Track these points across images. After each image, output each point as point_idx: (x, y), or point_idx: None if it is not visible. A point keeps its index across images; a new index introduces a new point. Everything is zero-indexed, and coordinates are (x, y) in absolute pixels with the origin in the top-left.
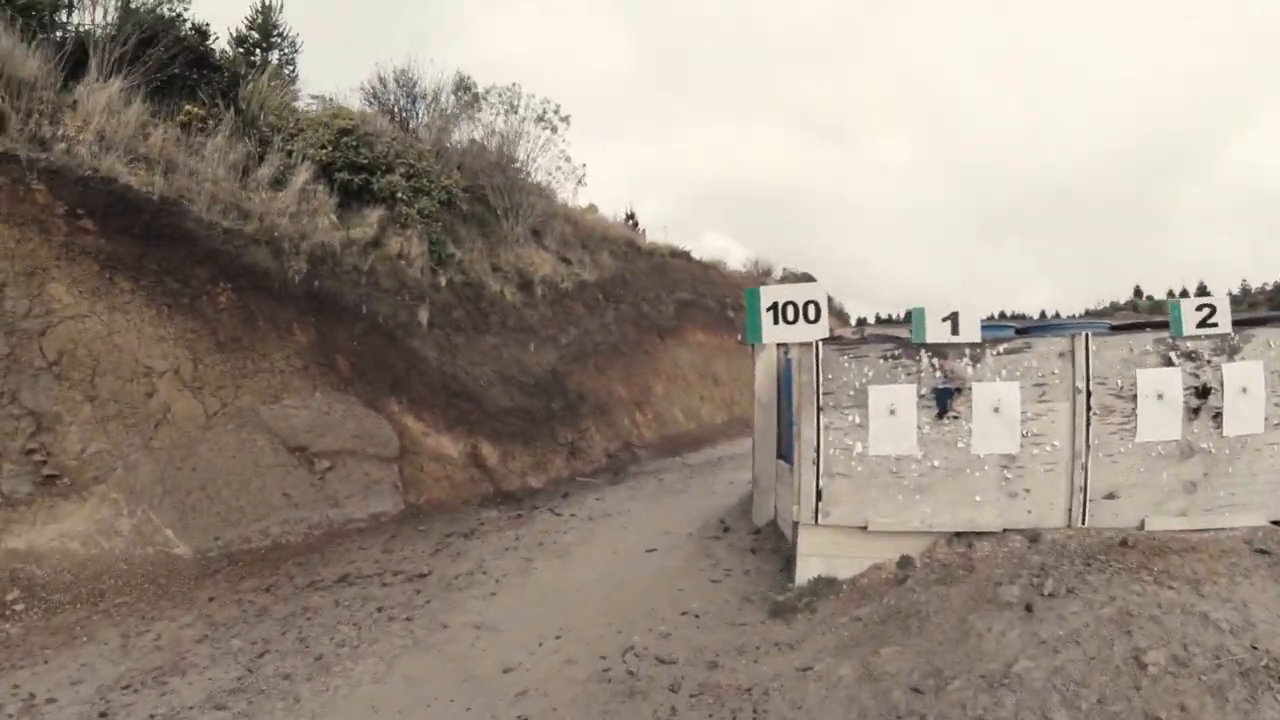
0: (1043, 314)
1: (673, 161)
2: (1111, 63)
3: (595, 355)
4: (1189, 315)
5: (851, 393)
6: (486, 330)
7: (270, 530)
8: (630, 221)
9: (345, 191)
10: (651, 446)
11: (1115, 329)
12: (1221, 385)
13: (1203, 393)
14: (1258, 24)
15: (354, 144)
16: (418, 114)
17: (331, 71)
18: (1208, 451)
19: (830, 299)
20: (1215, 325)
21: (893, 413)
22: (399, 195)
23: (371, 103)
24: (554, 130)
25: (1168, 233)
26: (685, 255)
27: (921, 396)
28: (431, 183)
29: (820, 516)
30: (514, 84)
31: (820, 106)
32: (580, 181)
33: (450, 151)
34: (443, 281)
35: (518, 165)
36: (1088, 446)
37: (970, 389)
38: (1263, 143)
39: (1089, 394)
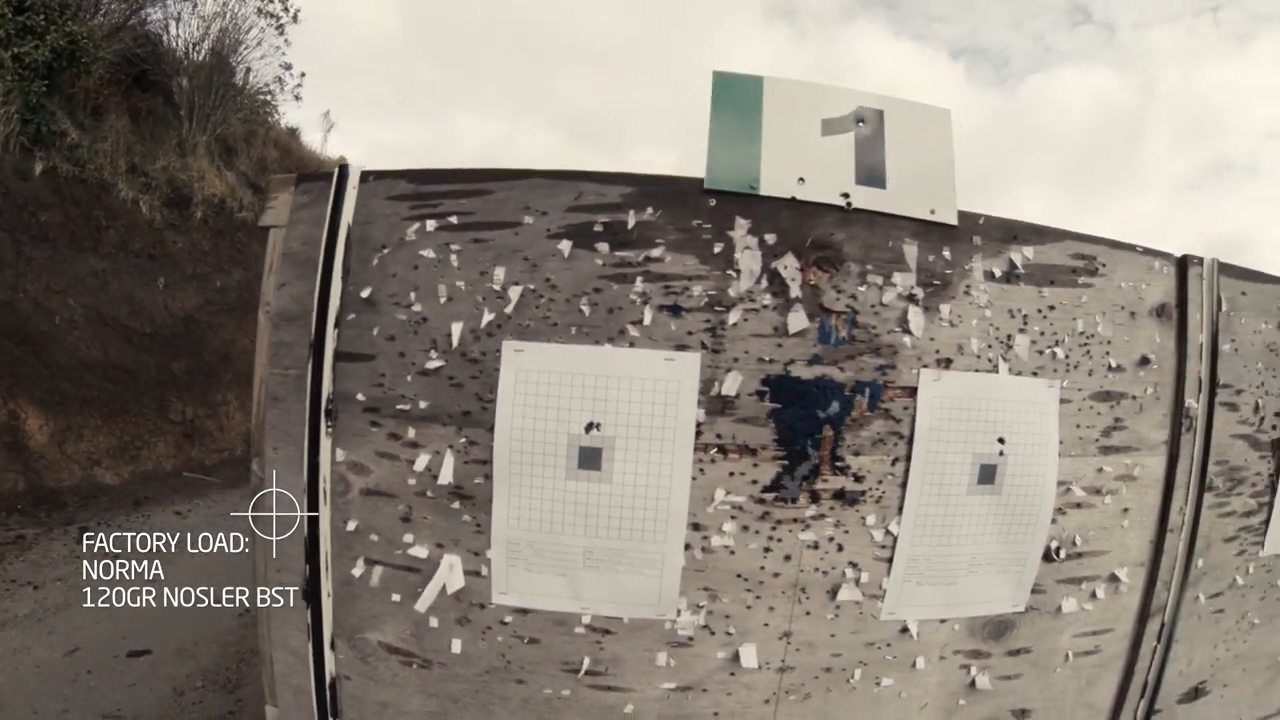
0: None
1: (441, 142)
2: None
3: None
4: None
5: (430, 354)
6: (93, 249)
7: None
8: None
9: None
10: None
11: None
12: None
13: None
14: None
15: None
16: None
17: None
18: None
19: None
20: None
21: (583, 458)
22: None
23: None
24: (280, 30)
25: None
26: None
27: (724, 404)
28: (50, 23)
29: None
30: None
31: (594, 112)
32: (297, 96)
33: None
34: (37, 168)
35: (231, 62)
36: (1185, 577)
37: (912, 393)
38: (996, 208)
39: (1209, 430)
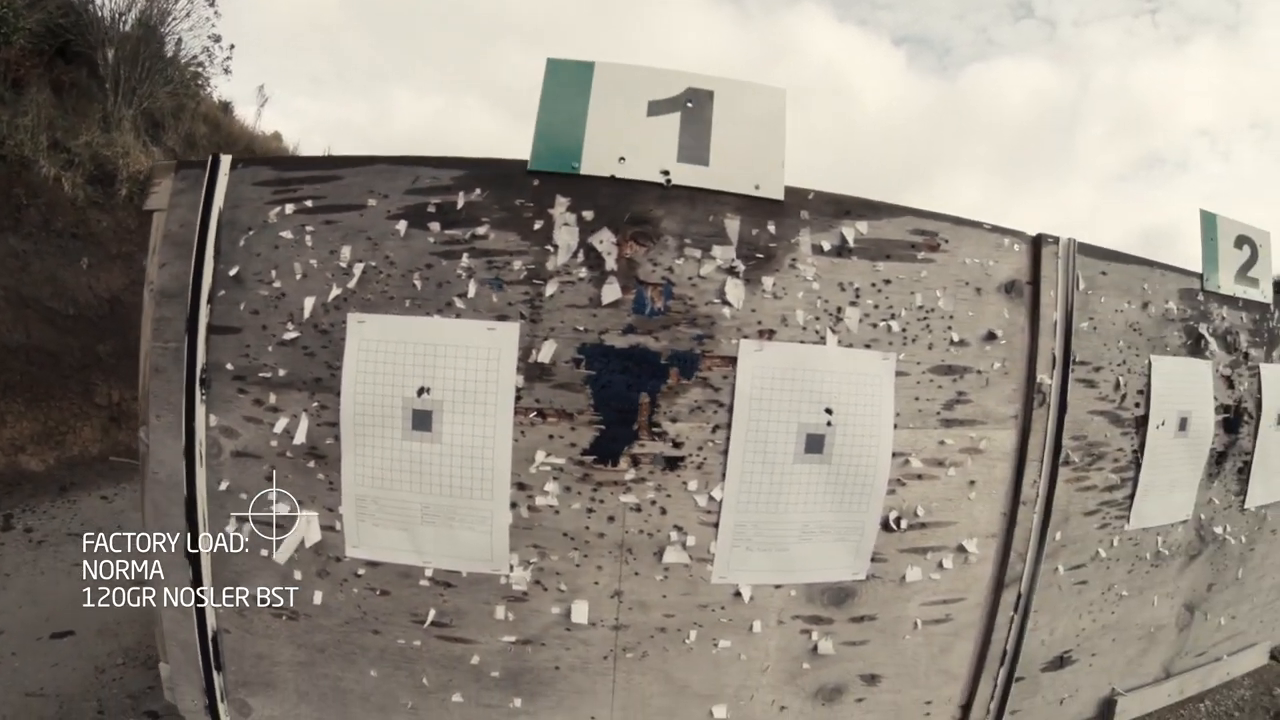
0: None
1: (378, 119)
2: (840, 103)
3: None
4: (1227, 248)
5: (287, 326)
6: (12, 229)
7: None
8: None
9: None
10: None
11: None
12: (1259, 404)
13: (1233, 421)
14: (950, 117)
15: None
16: None
17: None
18: (1221, 542)
19: None
20: (1255, 281)
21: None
22: None
23: None
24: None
25: None
26: None
27: (541, 371)
28: None
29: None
30: None
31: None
32: (226, 70)
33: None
34: None
35: (159, 33)
36: (1040, 549)
37: (731, 362)
38: (933, 193)
39: (1063, 406)
